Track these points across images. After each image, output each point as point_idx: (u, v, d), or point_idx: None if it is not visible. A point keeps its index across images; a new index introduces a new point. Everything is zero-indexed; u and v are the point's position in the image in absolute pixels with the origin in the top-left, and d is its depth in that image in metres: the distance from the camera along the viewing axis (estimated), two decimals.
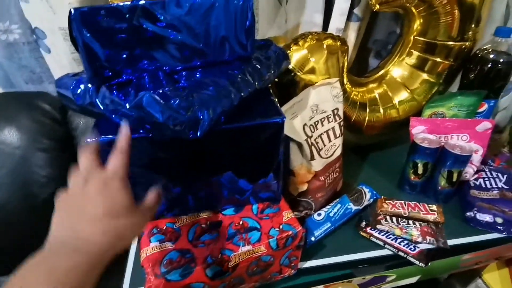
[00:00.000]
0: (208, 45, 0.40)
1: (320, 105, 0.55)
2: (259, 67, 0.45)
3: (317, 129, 0.55)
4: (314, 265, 0.56)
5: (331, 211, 0.60)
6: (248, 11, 0.41)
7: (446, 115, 0.68)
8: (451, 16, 0.65)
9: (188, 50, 0.40)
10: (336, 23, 0.77)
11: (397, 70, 0.75)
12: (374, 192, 0.66)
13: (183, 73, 0.40)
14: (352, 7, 0.77)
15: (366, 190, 0.65)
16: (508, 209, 0.60)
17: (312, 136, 0.54)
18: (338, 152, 0.59)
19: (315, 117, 0.55)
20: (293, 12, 0.81)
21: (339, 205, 0.61)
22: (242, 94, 0.41)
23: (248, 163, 0.47)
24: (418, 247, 0.55)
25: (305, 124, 0.53)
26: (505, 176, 0.67)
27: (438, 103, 0.67)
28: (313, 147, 0.54)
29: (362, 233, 0.59)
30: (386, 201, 0.65)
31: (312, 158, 0.54)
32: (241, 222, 0.49)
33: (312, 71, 0.60)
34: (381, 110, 0.73)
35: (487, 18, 0.76)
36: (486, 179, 0.67)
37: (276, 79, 0.62)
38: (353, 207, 0.62)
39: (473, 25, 0.67)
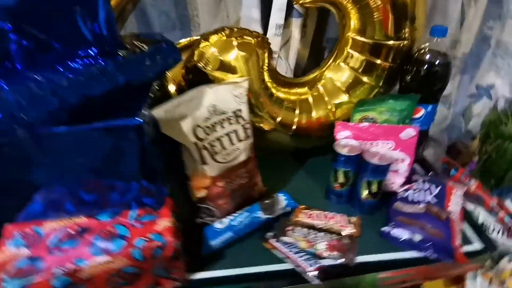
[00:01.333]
0: (52, 36, 0.37)
1: (218, 106, 0.51)
2: (126, 62, 0.41)
3: (215, 131, 0.51)
4: (208, 277, 0.52)
5: (235, 220, 0.56)
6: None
7: (377, 121, 0.63)
8: (383, 12, 0.60)
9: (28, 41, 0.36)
10: (275, 18, 0.73)
11: (334, 71, 0.70)
12: (292, 200, 0.61)
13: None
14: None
15: (283, 197, 0.60)
16: (430, 225, 0.54)
17: (206, 138, 0.50)
18: (243, 156, 0.55)
19: (212, 118, 0.51)
20: (232, 7, 0.77)
21: (246, 213, 0.57)
22: (89, 92, 0.37)
23: (117, 167, 0.43)
24: (319, 263, 0.51)
25: (198, 126, 0.49)
26: (439, 188, 0.61)
27: (368, 107, 0.62)
28: (204, 151, 0.50)
29: (266, 245, 0.55)
30: (304, 211, 0.60)
31: (204, 162, 0.50)
32: (110, 229, 0.45)
33: (224, 68, 0.56)
34: (314, 113, 0.68)
35: (428, 16, 0.70)
36: (417, 191, 0.61)
37: (190, 76, 0.59)
38: (263, 216, 0.57)
39: (408, 23, 0.61)
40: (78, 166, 0.42)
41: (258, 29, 0.75)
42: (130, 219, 0.47)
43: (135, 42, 0.48)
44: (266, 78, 0.62)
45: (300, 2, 0.59)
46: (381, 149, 0.57)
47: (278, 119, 0.65)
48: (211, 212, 0.56)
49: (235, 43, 0.55)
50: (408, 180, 0.63)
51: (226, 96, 0.52)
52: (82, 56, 0.39)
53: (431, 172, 0.69)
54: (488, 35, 0.77)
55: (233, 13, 0.78)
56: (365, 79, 0.68)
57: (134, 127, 0.39)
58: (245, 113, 0.54)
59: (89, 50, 0.40)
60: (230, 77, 0.57)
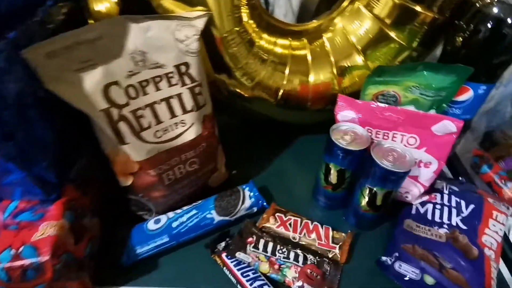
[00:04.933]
0: None
1: (150, 54, 0.32)
2: None
3: (145, 93, 0.33)
4: None
5: (177, 219, 0.40)
6: None
7: (400, 100, 0.43)
8: None
9: None
10: None
11: (350, 19, 0.49)
12: (261, 198, 0.44)
13: None
14: None
15: (248, 193, 0.44)
16: (452, 264, 0.37)
17: (128, 104, 0.32)
18: (191, 134, 0.37)
19: (141, 73, 0.33)
20: None
21: (194, 212, 0.41)
22: None
23: None
24: None
25: (114, 83, 0.31)
26: (472, 206, 0.43)
27: (390, 78, 0.42)
28: (123, 124, 0.32)
29: (216, 259, 0.40)
30: (277, 214, 0.44)
31: (122, 141, 0.33)
32: None
33: None
34: (312, 76, 0.49)
35: None
36: (439, 206, 0.43)
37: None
38: (217, 218, 0.41)
39: None
40: None
41: None
42: (6, 214, 0.32)
43: None
44: (245, 17, 0.42)
45: None
46: (399, 146, 0.39)
47: (258, 79, 0.46)
48: (145, 206, 0.40)
49: None
50: (429, 188, 0.45)
51: (163, 39, 0.32)
52: None
53: (461, 178, 0.50)
54: None
55: None
56: (393, 34, 0.47)
57: None
58: (195, 69, 0.35)
59: None
60: (184, 11, 0.37)
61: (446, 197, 0.44)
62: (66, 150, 0.35)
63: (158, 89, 0.34)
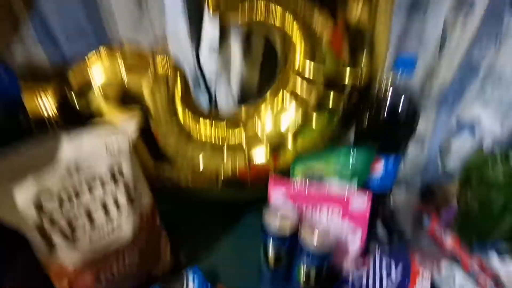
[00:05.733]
0: None
1: (82, 163, 0.35)
2: None
3: (79, 197, 0.35)
4: None
5: None
6: None
7: (325, 176, 0.48)
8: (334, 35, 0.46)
9: None
10: (209, 29, 0.58)
11: (275, 107, 0.55)
12: (205, 282, 0.45)
13: None
14: None
15: (192, 277, 0.44)
16: None
17: (62, 210, 0.34)
18: (128, 233, 0.38)
19: (72, 178, 0.35)
20: (157, 18, 0.61)
21: None
22: None
23: None
24: None
25: (47, 191, 0.33)
26: (400, 266, 0.46)
27: (314, 161, 0.47)
28: (55, 233, 0.33)
29: None
30: None
31: (53, 248, 0.34)
32: None
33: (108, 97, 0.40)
34: (249, 160, 0.53)
35: (398, 42, 0.57)
36: (371, 271, 0.46)
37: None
38: None
39: (365, 49, 0.47)
40: None
41: (187, 43, 0.59)
42: None
43: None
44: (180, 110, 0.47)
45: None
46: (325, 221, 0.42)
47: (198, 165, 0.49)
48: None
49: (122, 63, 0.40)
50: (363, 251, 0.48)
51: (93, 150, 0.35)
52: None
53: (393, 237, 0.54)
54: (476, 61, 0.63)
55: (158, 25, 0.62)
56: (316, 118, 0.53)
57: None
58: (128, 169, 0.37)
59: None
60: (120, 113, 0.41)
61: (378, 261, 0.47)
62: None
63: (92, 192, 0.36)
